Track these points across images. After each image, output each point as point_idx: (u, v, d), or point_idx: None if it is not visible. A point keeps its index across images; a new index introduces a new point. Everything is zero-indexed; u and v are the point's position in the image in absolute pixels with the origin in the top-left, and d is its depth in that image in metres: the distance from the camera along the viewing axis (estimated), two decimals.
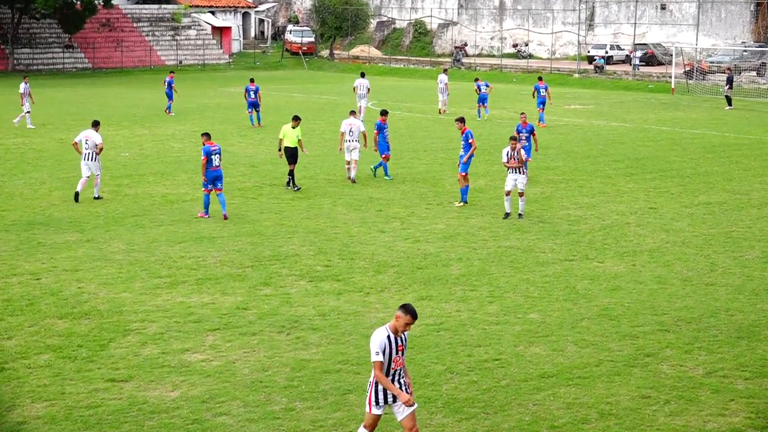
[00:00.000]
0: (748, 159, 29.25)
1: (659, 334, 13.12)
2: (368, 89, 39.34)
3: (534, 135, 24.41)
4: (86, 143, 22.04)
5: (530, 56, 71.80)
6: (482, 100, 39.67)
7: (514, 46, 74.67)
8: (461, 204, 21.80)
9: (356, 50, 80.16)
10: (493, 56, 74.13)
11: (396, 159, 26.77)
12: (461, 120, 22.24)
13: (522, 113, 25.49)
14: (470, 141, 21.73)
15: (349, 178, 24.73)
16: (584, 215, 20.91)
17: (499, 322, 13.65)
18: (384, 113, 25.54)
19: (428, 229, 19.43)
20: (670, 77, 54.50)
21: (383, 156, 25.11)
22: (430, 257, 17.22)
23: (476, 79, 42.03)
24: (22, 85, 36.21)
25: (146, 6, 75.92)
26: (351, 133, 24.55)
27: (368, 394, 8.97)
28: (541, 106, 37.32)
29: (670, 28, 67.01)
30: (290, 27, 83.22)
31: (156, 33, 74.02)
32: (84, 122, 32.05)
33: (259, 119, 36.63)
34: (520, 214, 20.44)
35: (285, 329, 13.24)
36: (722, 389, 11.22)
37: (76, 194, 22.04)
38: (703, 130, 36.63)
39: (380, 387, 8.86)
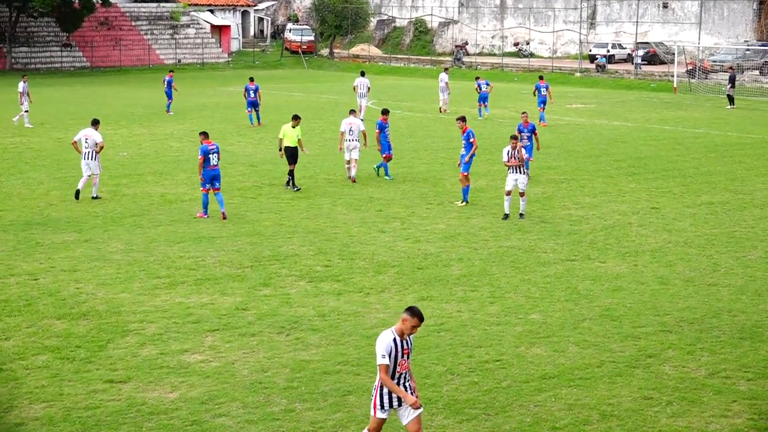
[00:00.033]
0: (751, 158, 29.18)
1: (661, 334, 13.07)
2: (368, 88, 39.26)
3: (536, 134, 24.36)
4: (86, 142, 22.00)
5: (531, 55, 71.73)
6: (483, 99, 39.61)
7: (515, 44, 74.59)
8: (463, 203, 21.73)
9: (356, 49, 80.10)
10: (494, 55, 74.06)
11: (396, 158, 26.70)
12: (462, 119, 22.17)
13: (523, 112, 25.44)
14: (471, 140, 21.67)
15: (349, 177, 24.65)
16: (586, 215, 20.85)
17: (500, 322, 13.60)
18: (385, 112, 25.46)
19: (429, 229, 19.36)
20: (673, 76, 54.43)
21: (384, 156, 25.03)
22: (430, 257, 17.16)
23: (477, 78, 41.96)
24: (21, 84, 36.15)
25: (145, 4, 75.81)
26: (351, 133, 24.47)
27: (373, 398, 8.88)
28: (542, 105, 37.25)
29: (672, 27, 66.94)
30: (290, 25, 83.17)
31: (155, 32, 73.95)
32: (82, 122, 32.01)
33: (258, 118, 36.55)
34: (521, 214, 20.37)
35: (284, 330, 13.19)
36: (725, 390, 11.17)
37: (77, 192, 22.04)
38: (706, 129, 36.57)
39: (385, 390, 8.77)
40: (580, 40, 67.22)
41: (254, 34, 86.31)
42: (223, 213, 20.09)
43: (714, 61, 57.99)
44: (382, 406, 8.81)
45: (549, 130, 34.68)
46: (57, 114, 39.69)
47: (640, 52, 62.40)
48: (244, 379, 11.43)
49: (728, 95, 45.63)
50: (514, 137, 20.29)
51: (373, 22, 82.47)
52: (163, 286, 15.23)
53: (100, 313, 13.81)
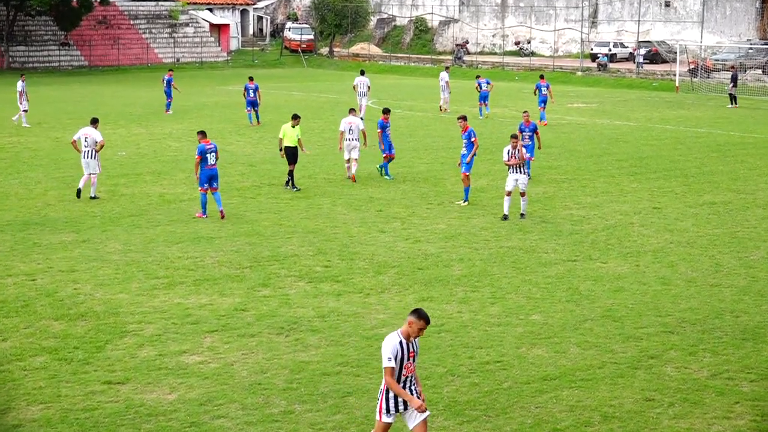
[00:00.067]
0: (754, 158, 29.10)
1: (663, 335, 13.03)
2: (368, 87, 39.19)
3: (537, 133, 24.33)
4: (86, 141, 21.97)
5: (532, 54, 71.65)
6: (483, 97, 39.54)
7: (517, 43, 74.51)
8: (465, 203, 21.64)
9: (356, 48, 80.00)
10: (495, 54, 73.98)
11: (397, 158, 26.59)
12: (463, 118, 22.11)
13: (525, 111, 25.42)
14: (473, 140, 21.60)
15: (349, 177, 24.57)
16: (587, 215, 20.77)
17: (500, 323, 13.54)
18: (386, 111, 25.36)
19: (429, 230, 19.29)
20: (675, 75, 54.36)
21: (385, 156, 24.93)
22: (431, 258, 17.09)
23: (477, 77, 41.90)
24: (20, 83, 36.03)
25: (143, 3, 75.73)
26: (351, 132, 24.39)
27: (379, 402, 8.77)
28: (543, 104, 37.19)
29: (674, 26, 66.84)
30: (289, 24, 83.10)
31: (153, 30, 73.87)
32: (80, 121, 31.97)
33: (257, 118, 36.48)
34: (522, 214, 20.29)
35: (284, 331, 13.13)
36: (727, 391, 11.13)
37: (78, 191, 22.03)
38: (708, 128, 36.49)
39: (391, 394, 8.67)
40: (581, 38, 67.13)
41: (253, 32, 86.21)
42: (221, 211, 20.02)
43: (716, 60, 57.89)
44: (388, 410, 8.71)
45: (550, 130, 34.61)
46: (55, 113, 39.61)
47: (642, 51, 62.25)
48: (243, 380, 11.38)
49: (730, 94, 45.55)
50: (514, 136, 20.21)
51: (373, 20, 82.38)
52: (162, 287, 15.16)
53: (98, 314, 13.75)
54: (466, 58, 70.58)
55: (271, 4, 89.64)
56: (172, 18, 75.52)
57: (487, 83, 39.94)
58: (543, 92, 37.29)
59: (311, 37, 79.46)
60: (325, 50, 79.46)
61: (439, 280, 15.71)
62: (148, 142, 31.79)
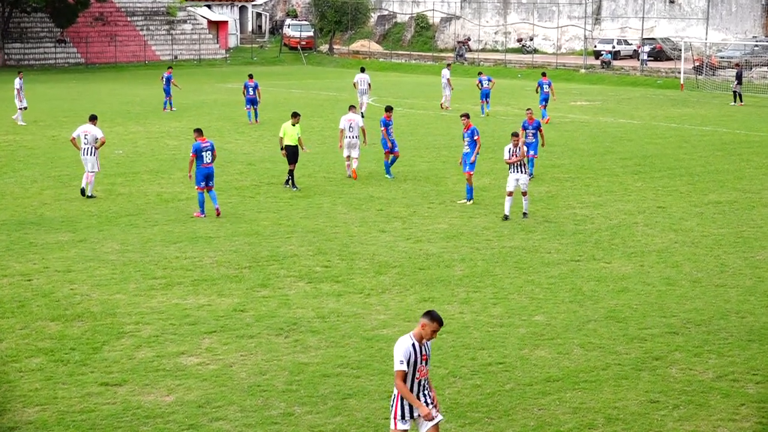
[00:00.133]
0: (759, 157, 29.00)
1: (668, 336, 12.95)
2: (369, 84, 39.06)
3: (540, 131, 24.24)
4: (85, 138, 21.91)
5: (535, 51, 71.46)
6: (485, 95, 39.41)
7: (519, 40, 74.39)
8: (470, 202, 21.50)
9: (356, 45, 79.84)
10: (497, 51, 73.87)
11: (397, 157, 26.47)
12: (466, 116, 21.98)
13: (528, 109, 25.37)
14: (475, 138, 21.48)
15: (349, 176, 24.43)
16: (591, 214, 20.66)
17: (503, 324, 13.44)
18: (389, 109, 25.21)
19: (430, 229, 19.18)
20: (679, 73, 54.24)
21: (386, 152, 24.78)
22: (432, 258, 16.98)
23: (479, 74, 41.77)
24: (17, 81, 35.88)
25: None
26: (351, 130, 24.25)
27: (393, 408, 8.58)
28: (544, 102, 37.07)
29: (678, 23, 66.67)
30: (288, 21, 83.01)
31: (150, 27, 73.72)
32: (76, 119, 31.88)
33: (256, 116, 36.35)
34: (524, 213, 20.16)
35: (283, 332, 13.05)
36: (733, 393, 11.07)
37: (82, 190, 22.00)
38: (713, 127, 36.38)
39: (406, 401, 8.50)
40: (584, 35, 67.00)
41: (252, 29, 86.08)
42: (217, 209, 19.91)
43: (721, 58, 57.73)
44: (403, 417, 8.52)
45: (553, 128, 34.49)
46: (51, 111, 39.47)
47: (646, 48, 62.06)
48: (242, 382, 11.31)
49: (734, 92, 45.42)
50: (515, 135, 20.07)
51: (374, 17, 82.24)
52: (160, 287, 15.06)
53: (94, 315, 13.66)
54: (467, 55, 70.46)
55: (270, 0, 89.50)
56: (170, 15, 75.37)
57: (489, 80, 39.83)
58: (545, 90, 37.17)
59: (311, 34, 79.34)
60: (324, 47, 79.35)
61: (441, 280, 15.61)
62: (146, 141, 31.67)
